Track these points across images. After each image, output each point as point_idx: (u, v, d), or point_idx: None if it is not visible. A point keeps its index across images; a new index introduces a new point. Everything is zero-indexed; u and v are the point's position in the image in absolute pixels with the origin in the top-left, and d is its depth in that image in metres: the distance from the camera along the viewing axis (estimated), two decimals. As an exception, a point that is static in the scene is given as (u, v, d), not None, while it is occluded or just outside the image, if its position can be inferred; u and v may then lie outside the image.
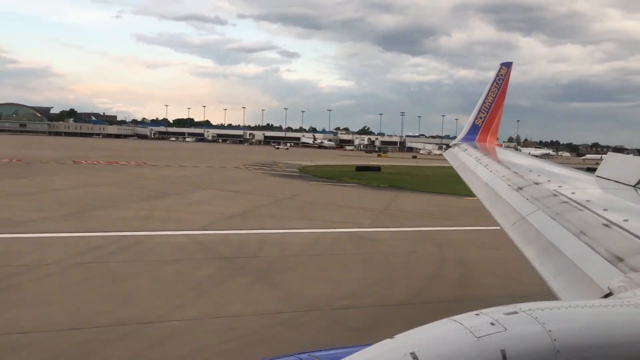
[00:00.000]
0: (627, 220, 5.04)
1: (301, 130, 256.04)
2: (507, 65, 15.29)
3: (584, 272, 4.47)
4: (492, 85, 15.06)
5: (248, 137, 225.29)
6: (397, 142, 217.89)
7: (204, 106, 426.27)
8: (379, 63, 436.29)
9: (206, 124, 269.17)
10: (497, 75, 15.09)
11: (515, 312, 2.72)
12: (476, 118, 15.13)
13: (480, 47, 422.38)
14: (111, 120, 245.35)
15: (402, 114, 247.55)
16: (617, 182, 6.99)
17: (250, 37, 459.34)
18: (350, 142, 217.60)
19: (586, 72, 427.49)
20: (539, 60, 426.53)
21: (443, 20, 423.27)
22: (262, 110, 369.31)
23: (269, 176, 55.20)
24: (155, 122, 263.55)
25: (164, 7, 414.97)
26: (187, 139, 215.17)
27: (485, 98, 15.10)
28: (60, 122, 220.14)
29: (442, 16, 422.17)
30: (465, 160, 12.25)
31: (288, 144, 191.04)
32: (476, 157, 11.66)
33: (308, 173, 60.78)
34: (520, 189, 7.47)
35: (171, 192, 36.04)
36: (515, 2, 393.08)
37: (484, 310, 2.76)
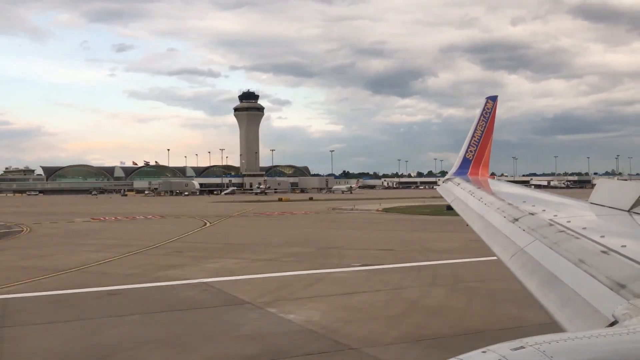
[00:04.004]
0: (624, 246, 5.03)
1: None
2: (493, 99, 15.56)
3: (587, 301, 4.43)
4: (479, 119, 15.29)
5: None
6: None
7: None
8: (368, 106, 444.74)
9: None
10: (483, 109, 15.34)
11: (522, 347, 2.69)
12: (466, 152, 15.25)
13: (468, 86, 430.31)
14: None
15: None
16: (611, 207, 7.02)
17: (242, 87, 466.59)
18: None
19: (571, 105, 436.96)
20: (525, 96, 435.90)
21: (431, 62, 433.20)
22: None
23: None
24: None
25: (157, 63, 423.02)
26: (434, 187, 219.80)
27: (474, 132, 15.28)
28: (302, 177, 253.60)
29: (429, 58, 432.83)
30: (459, 194, 12.28)
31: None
32: (470, 191, 11.69)
33: None
34: (516, 220, 7.46)
35: None
36: (500, 42, 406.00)
37: (491, 347, 2.73)
